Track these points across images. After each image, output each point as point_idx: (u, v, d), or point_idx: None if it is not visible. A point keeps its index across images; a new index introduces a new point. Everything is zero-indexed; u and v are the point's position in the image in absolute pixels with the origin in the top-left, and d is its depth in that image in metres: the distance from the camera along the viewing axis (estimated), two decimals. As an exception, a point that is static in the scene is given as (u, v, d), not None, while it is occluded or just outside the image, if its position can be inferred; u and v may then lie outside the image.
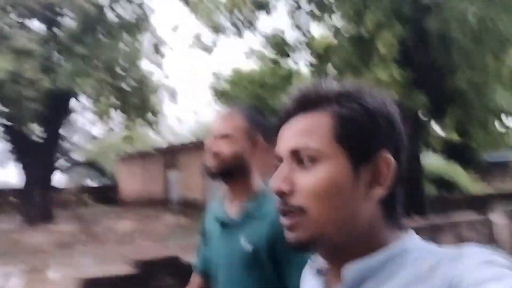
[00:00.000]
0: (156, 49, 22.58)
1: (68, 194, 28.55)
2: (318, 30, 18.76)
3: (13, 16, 18.65)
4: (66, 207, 25.68)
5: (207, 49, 17.23)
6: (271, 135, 1.71)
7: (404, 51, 13.61)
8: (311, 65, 17.85)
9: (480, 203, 16.65)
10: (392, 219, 0.87)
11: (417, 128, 14.72)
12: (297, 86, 0.94)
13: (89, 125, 25.39)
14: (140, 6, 21.55)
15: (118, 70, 19.87)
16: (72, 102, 21.70)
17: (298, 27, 17.01)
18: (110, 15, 20.97)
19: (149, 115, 22.72)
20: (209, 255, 1.99)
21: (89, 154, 35.38)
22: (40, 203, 20.30)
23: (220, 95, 24.06)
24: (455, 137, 14.96)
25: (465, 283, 0.69)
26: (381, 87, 12.80)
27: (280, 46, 17.03)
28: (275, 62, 18.17)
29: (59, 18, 20.07)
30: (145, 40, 22.42)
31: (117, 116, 21.97)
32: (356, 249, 0.85)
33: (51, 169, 21.75)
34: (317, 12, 16.12)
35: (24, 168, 20.61)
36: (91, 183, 37.87)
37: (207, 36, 17.19)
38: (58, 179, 23.67)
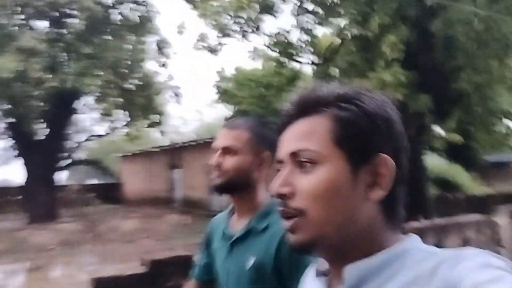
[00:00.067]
0: (161, 49, 22.68)
1: (72, 193, 28.58)
2: (322, 30, 18.67)
3: (20, 16, 18.77)
4: (69, 205, 25.72)
5: (213, 51, 17.29)
6: (276, 148, 1.81)
7: (409, 53, 13.65)
8: (315, 65, 17.90)
9: (482, 204, 16.68)
10: (393, 220, 0.88)
11: (420, 130, 14.76)
12: (297, 90, 0.96)
13: (92, 124, 25.47)
14: (145, 6, 21.65)
15: (123, 70, 19.95)
16: (77, 101, 21.78)
17: (302, 28, 17.06)
18: (116, 16, 21.09)
19: (154, 115, 22.84)
20: (209, 264, 1.98)
21: (92, 152, 35.42)
22: (45, 201, 20.38)
23: (224, 94, 24.07)
24: (457, 138, 14.98)
25: (465, 285, 0.70)
26: (385, 88, 12.89)
27: (284, 47, 17.08)
28: (279, 62, 18.20)
29: (66, 19, 20.19)
30: (150, 40, 22.55)
31: (121, 116, 22.06)
32: (356, 250, 0.85)
33: (55, 167, 21.84)
34: (321, 13, 16.17)
35: (28, 166, 20.68)
36: (94, 181, 37.92)
37: (213, 37, 17.27)
38: (61, 177, 23.70)
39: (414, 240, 0.87)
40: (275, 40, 17.09)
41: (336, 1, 15.41)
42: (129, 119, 22.29)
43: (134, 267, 8.43)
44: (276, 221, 1.68)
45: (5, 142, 24.02)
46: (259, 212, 1.81)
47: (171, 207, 24.86)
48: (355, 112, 0.86)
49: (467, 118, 15.45)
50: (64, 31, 19.80)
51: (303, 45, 17.43)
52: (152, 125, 23.79)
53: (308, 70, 20.00)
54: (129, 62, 20.23)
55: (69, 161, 23.89)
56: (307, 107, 0.90)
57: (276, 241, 1.67)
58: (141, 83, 21.66)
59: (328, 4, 15.86)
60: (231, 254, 1.82)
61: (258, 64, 23.17)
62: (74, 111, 22.33)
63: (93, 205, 27.69)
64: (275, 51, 17.61)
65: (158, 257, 5.16)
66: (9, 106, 18.74)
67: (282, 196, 0.88)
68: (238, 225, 1.86)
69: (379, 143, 0.86)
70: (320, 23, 16.83)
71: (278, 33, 17.07)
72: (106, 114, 20.88)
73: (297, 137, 0.90)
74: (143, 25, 21.62)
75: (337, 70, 17.04)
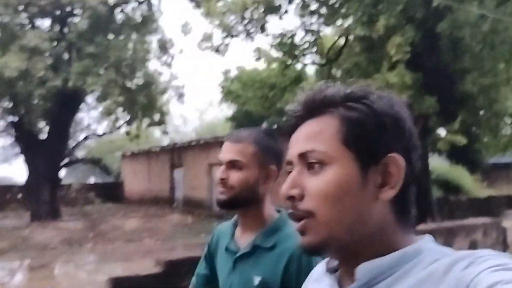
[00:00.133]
0: (164, 49, 22.70)
1: (73, 192, 28.59)
2: (327, 30, 18.66)
3: (24, 15, 18.77)
4: (70, 204, 25.73)
5: (218, 51, 17.32)
6: (283, 161, 1.68)
7: (414, 54, 13.67)
8: (319, 65, 17.93)
9: (485, 206, 16.71)
10: (405, 220, 0.87)
11: (426, 131, 14.77)
12: (304, 91, 0.95)
13: (94, 123, 25.51)
14: (148, 6, 21.68)
15: (125, 69, 19.95)
16: (80, 100, 21.79)
17: (307, 29, 17.09)
18: (119, 15, 21.12)
19: (155, 114, 22.85)
20: (209, 276, 1.94)
21: (94, 151, 35.43)
22: (47, 200, 20.38)
23: (229, 94, 24.06)
24: (462, 140, 14.98)
25: (479, 286, 0.69)
26: (391, 90, 12.91)
27: (289, 47, 17.11)
28: (283, 63, 18.22)
29: (69, 18, 20.21)
30: (154, 40, 22.58)
31: (123, 115, 22.06)
32: (368, 251, 0.84)
33: (58, 166, 21.84)
34: (326, 14, 16.19)
35: (31, 164, 20.68)
36: (93, 180, 37.94)
37: (218, 37, 17.30)
38: (63, 176, 23.67)
39: (427, 241, 0.86)
40: (280, 41, 17.11)
41: (341, 2, 15.43)
42: (130, 118, 22.27)
43: (136, 266, 8.45)
44: (284, 240, 1.68)
45: (6, 140, 24.11)
46: (266, 229, 1.76)
47: (172, 207, 24.86)
48: (363, 111, 0.86)
49: (472, 120, 15.47)
50: (67, 30, 19.81)
51: (308, 46, 17.45)
52: (153, 124, 23.78)
53: (312, 70, 20.02)
54: (132, 62, 20.21)
55: (69, 159, 23.89)
56: (315, 107, 0.90)
57: (284, 261, 1.64)
58: (143, 82, 21.66)
59: (333, 4, 15.89)
60: (235, 269, 1.77)
61: (261, 65, 23.23)
62: (76, 110, 22.34)
63: (94, 204, 27.67)
64: (280, 52, 17.63)
65: (172, 258, 5.16)
66: (12, 104, 18.74)
67: (291, 198, 0.87)
68: (243, 240, 1.81)
69: (389, 142, 0.85)
70: (324, 24, 16.85)
71: (283, 33, 17.09)
72: (107, 113, 20.86)
73: (305, 138, 0.89)
74: (146, 24, 21.63)
75: (341, 71, 17.07)
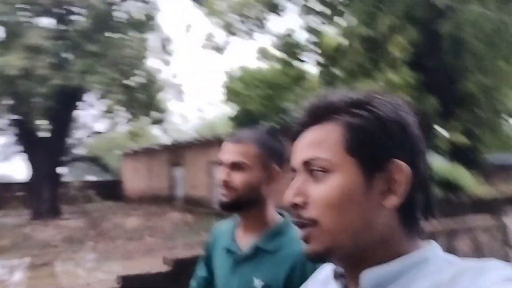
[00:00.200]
0: (164, 47, 22.74)
1: (73, 190, 28.60)
2: (328, 30, 18.66)
3: (26, 14, 18.78)
4: (71, 202, 25.75)
5: (219, 49, 17.35)
6: (287, 161, 1.67)
7: (416, 54, 13.70)
8: (321, 65, 17.93)
9: (486, 206, 16.69)
10: (411, 227, 0.86)
11: (426, 131, 14.79)
12: (308, 98, 0.93)
13: (93, 121, 25.52)
14: (149, 4, 21.72)
15: (126, 67, 19.99)
16: (81, 99, 21.84)
17: (309, 29, 17.11)
18: (120, 13, 21.15)
19: (155, 113, 22.90)
20: (208, 278, 1.89)
21: (93, 149, 35.43)
22: (48, 198, 20.44)
23: (232, 94, 24.10)
24: (462, 139, 15.02)
25: None
26: (393, 90, 12.95)
27: (291, 47, 17.14)
28: (285, 63, 18.25)
29: (71, 16, 20.24)
30: (153, 38, 22.61)
31: (122, 113, 22.10)
32: (373, 257, 0.83)
33: (58, 164, 21.87)
34: (328, 13, 16.21)
35: (32, 163, 20.72)
36: (93, 178, 37.91)
37: (219, 36, 17.34)
38: (62, 174, 23.65)
39: (434, 248, 0.85)
40: (282, 40, 17.14)
41: (343, 1, 15.46)
42: (130, 116, 22.31)
43: (140, 265, 8.46)
44: (288, 244, 1.65)
45: (7, 138, 24.09)
46: (269, 232, 1.72)
47: (172, 205, 24.88)
48: (367, 118, 0.84)
49: (473, 120, 15.51)
50: (69, 28, 19.84)
51: (309, 45, 17.47)
52: (153, 122, 23.83)
53: (314, 70, 20.03)
54: (132, 60, 20.25)
55: (68, 157, 23.91)
56: (319, 114, 0.89)
57: (288, 266, 1.61)
58: (143, 80, 21.71)
59: (335, 4, 15.91)
60: (235, 271, 1.73)
61: (263, 64, 23.26)
62: (76, 108, 22.38)
63: (94, 202, 27.70)
64: (282, 51, 17.65)
65: (181, 256, 5.19)
66: (14, 102, 18.76)
67: (295, 206, 0.87)
68: (243, 241, 1.77)
69: (393, 149, 0.84)
70: (326, 24, 16.88)
71: (284, 33, 17.12)
72: (108, 111, 20.91)
73: (308, 145, 0.88)
74: (146, 23, 21.69)
75: (343, 71, 17.07)
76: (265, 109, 21.59)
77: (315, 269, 0.93)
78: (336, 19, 16.14)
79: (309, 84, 18.53)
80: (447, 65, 14.21)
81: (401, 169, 0.82)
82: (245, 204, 1.71)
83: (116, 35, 20.36)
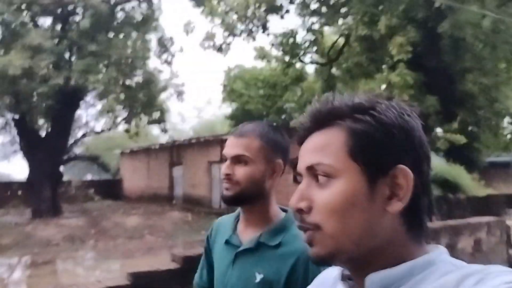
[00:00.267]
0: (165, 47, 22.80)
1: (73, 188, 28.60)
2: (328, 30, 18.70)
3: (27, 14, 18.81)
4: (71, 201, 25.76)
5: (220, 50, 17.40)
6: (288, 154, 1.75)
7: (415, 54, 13.75)
8: (320, 65, 17.99)
9: (485, 205, 16.76)
10: (416, 231, 0.85)
11: (426, 131, 14.84)
12: (313, 103, 0.93)
13: (93, 120, 25.54)
14: (149, 4, 21.77)
15: (126, 67, 20.03)
16: (81, 98, 21.86)
17: (308, 28, 17.17)
18: (120, 13, 21.21)
19: (155, 112, 22.95)
20: (214, 276, 1.83)
21: (92, 149, 35.40)
22: (49, 197, 20.46)
23: (232, 93, 24.13)
24: (461, 139, 15.09)
25: None
26: (392, 89, 13.01)
27: (290, 47, 17.19)
28: (285, 62, 18.30)
29: (71, 16, 20.30)
30: (154, 38, 22.68)
31: (122, 112, 22.14)
32: (377, 262, 0.83)
33: (58, 163, 21.91)
34: (327, 14, 16.26)
35: (33, 162, 20.74)
36: (91, 177, 37.90)
37: (220, 36, 17.38)
38: (62, 173, 23.64)
39: (439, 252, 0.84)
40: (281, 40, 17.19)
41: (342, 1, 15.51)
42: (130, 115, 22.34)
43: (142, 263, 8.52)
44: (290, 240, 1.64)
45: (6, 137, 24.13)
46: (272, 227, 1.70)
47: (171, 204, 24.90)
48: (370, 123, 0.84)
49: (472, 119, 15.57)
50: (70, 28, 19.88)
51: (308, 45, 17.53)
52: (153, 122, 23.86)
53: (312, 70, 20.10)
54: (132, 60, 20.30)
55: (68, 156, 23.95)
56: (322, 119, 0.89)
57: (290, 262, 1.60)
58: (143, 80, 21.75)
59: (334, 4, 15.96)
60: (235, 264, 1.71)
61: (261, 63, 23.29)
62: (76, 107, 22.41)
63: (94, 201, 27.71)
64: (281, 51, 17.70)
65: (189, 254, 5.27)
66: (15, 102, 18.79)
67: (299, 211, 0.86)
68: (245, 235, 1.75)
69: (397, 154, 0.83)
70: (325, 24, 16.94)
71: (284, 32, 17.17)
72: (108, 110, 20.92)
73: (312, 150, 0.88)
74: (146, 23, 21.72)
75: (341, 70, 17.13)
76: (264, 108, 21.64)
77: (317, 267, 0.91)
78: (336, 19, 16.18)
79: (307, 83, 18.61)
80: (446, 65, 14.27)
81: (405, 174, 0.82)
82: (248, 198, 1.69)
83: (117, 35, 20.41)
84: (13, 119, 20.57)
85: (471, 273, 0.74)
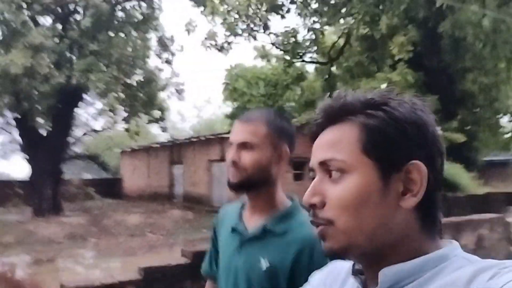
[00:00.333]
0: (165, 46, 22.86)
1: (73, 187, 28.61)
2: (328, 30, 18.72)
3: (28, 13, 18.85)
4: (71, 200, 25.79)
5: (222, 49, 17.45)
6: (294, 141, 1.75)
7: (417, 54, 13.82)
8: (321, 64, 18.04)
9: (483, 203, 16.82)
10: (430, 227, 0.85)
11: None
12: (325, 99, 0.94)
13: (92, 119, 25.60)
14: (149, 4, 21.82)
15: (127, 66, 20.08)
16: (81, 97, 21.92)
17: (309, 28, 17.21)
18: (121, 12, 21.26)
19: (155, 111, 23.01)
20: (220, 263, 1.83)
21: (91, 147, 35.43)
22: (50, 195, 20.52)
23: (233, 92, 24.16)
24: (461, 138, 15.17)
25: None
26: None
27: (292, 46, 17.24)
28: (286, 61, 18.34)
29: (72, 15, 20.35)
30: (155, 37, 22.74)
31: (122, 111, 22.19)
32: (391, 256, 0.83)
33: (59, 162, 21.95)
34: (328, 13, 16.31)
35: (34, 160, 20.78)
36: (92, 176, 37.91)
37: (221, 36, 17.41)
38: (63, 171, 23.66)
39: (453, 247, 0.84)
40: (282, 39, 17.24)
41: (343, 1, 15.56)
42: (130, 114, 22.39)
43: (143, 261, 8.58)
44: (296, 227, 1.64)
45: (7, 136, 24.18)
46: (278, 214, 1.70)
47: (172, 203, 24.97)
48: (383, 119, 0.83)
49: (472, 119, 15.64)
50: (71, 27, 19.94)
51: (309, 44, 17.58)
52: (153, 121, 23.92)
53: (313, 69, 20.15)
54: (133, 59, 20.35)
55: (67, 155, 23.99)
56: (335, 115, 0.89)
57: (296, 249, 1.60)
58: (143, 79, 21.81)
59: (335, 4, 16.01)
60: (241, 251, 1.71)
61: (261, 62, 23.33)
62: (77, 106, 22.46)
63: (94, 199, 27.73)
64: (282, 50, 17.76)
65: (199, 249, 5.36)
66: (16, 101, 18.84)
67: (313, 206, 0.87)
68: (251, 222, 1.74)
69: (410, 149, 0.83)
70: (326, 23, 16.98)
71: (285, 32, 17.22)
72: (108, 109, 20.97)
73: (325, 146, 0.88)
74: (147, 22, 21.78)
75: (342, 70, 17.18)
76: (265, 108, 21.66)
77: (323, 255, 0.91)
78: (337, 18, 16.23)
79: (308, 82, 18.66)
80: (447, 65, 14.35)
81: (419, 169, 0.82)
82: (254, 185, 1.68)
83: (117, 35, 20.46)
84: (14, 118, 20.62)
85: (486, 268, 0.74)
